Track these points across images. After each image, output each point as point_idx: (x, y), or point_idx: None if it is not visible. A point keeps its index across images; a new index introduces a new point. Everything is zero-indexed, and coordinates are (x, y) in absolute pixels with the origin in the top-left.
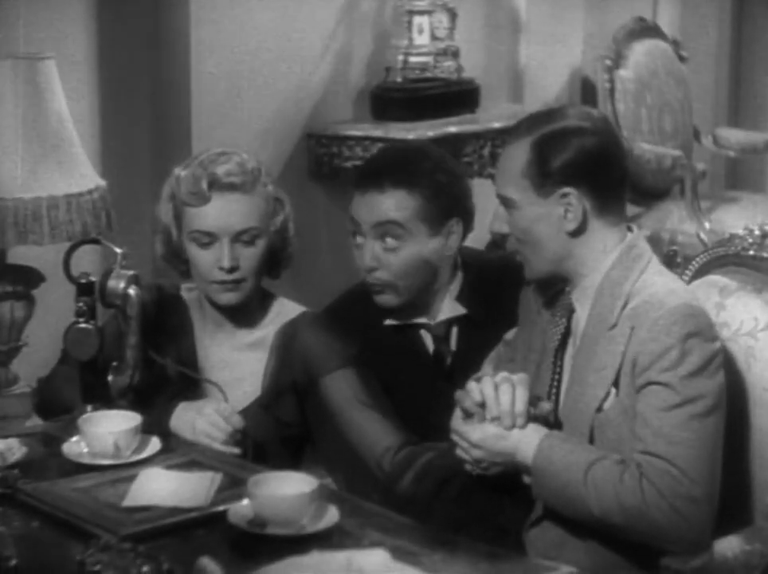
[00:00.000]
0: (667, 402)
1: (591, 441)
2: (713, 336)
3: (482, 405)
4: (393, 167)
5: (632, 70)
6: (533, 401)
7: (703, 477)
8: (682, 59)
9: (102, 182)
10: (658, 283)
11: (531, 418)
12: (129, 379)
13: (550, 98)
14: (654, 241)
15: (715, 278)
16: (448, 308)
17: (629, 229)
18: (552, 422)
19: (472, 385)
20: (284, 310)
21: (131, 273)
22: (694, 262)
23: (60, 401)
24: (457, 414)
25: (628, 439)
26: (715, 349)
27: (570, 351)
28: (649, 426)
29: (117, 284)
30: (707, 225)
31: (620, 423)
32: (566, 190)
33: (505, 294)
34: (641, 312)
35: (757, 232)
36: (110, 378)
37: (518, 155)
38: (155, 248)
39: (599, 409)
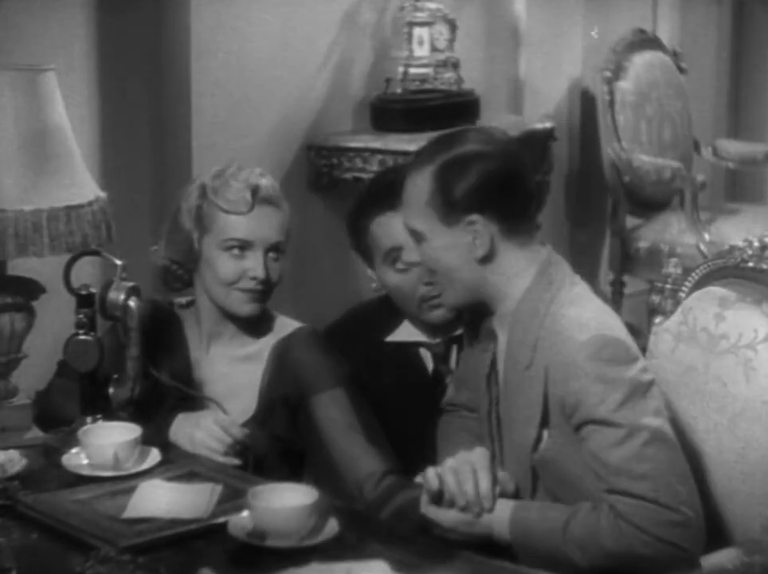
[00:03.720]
0: (611, 438)
1: (534, 480)
2: (632, 357)
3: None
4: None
5: (631, 82)
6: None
7: (676, 498)
8: (681, 70)
9: (102, 194)
10: (567, 316)
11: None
12: (130, 392)
13: (550, 109)
14: (654, 253)
15: (714, 290)
16: (451, 327)
17: (543, 243)
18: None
19: (430, 473)
20: (283, 326)
21: (131, 284)
22: (693, 274)
23: (59, 413)
24: (425, 497)
25: (573, 476)
26: (638, 369)
27: (501, 375)
28: (605, 466)
29: (117, 295)
30: (706, 236)
31: (560, 462)
32: (472, 217)
33: None
34: (553, 352)
35: (756, 244)
36: (111, 390)
37: (421, 184)
38: (158, 257)
39: (535, 449)
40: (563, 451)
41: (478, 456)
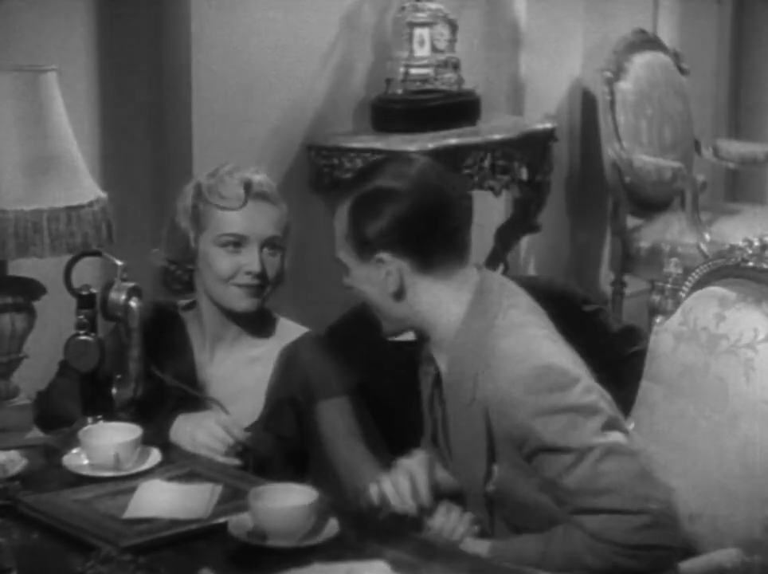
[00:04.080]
0: (564, 463)
1: (490, 509)
2: (570, 380)
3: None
4: None
5: (632, 82)
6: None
7: (641, 500)
8: (682, 71)
9: (102, 195)
10: (502, 349)
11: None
12: (132, 392)
13: (551, 110)
14: (655, 253)
15: (714, 289)
16: None
17: (478, 267)
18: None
19: (372, 490)
20: (286, 330)
21: (131, 285)
22: (694, 274)
23: (60, 414)
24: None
25: (530, 503)
26: (579, 391)
27: (446, 404)
28: (566, 490)
29: (118, 296)
30: (707, 236)
31: (515, 491)
32: (381, 255)
33: None
34: (492, 389)
35: (756, 243)
36: (113, 391)
37: (341, 218)
38: (158, 259)
39: (487, 481)
40: (517, 480)
41: (415, 461)
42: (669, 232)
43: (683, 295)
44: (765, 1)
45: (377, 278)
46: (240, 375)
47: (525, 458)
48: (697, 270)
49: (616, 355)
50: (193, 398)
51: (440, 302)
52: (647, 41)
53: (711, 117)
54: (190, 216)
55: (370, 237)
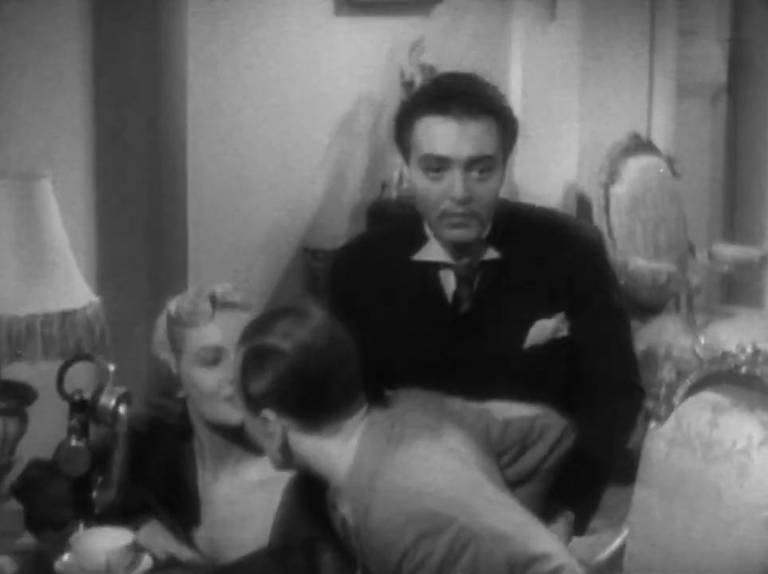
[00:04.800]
0: None
1: None
2: (446, 520)
3: None
4: (476, 93)
5: (626, 186)
6: None
7: None
8: (676, 175)
9: (95, 299)
10: (383, 502)
11: None
12: (114, 496)
13: None
14: (650, 356)
15: (708, 395)
16: (479, 249)
17: (366, 412)
18: None
19: None
20: None
21: (122, 391)
22: (687, 379)
23: (49, 517)
24: None
25: None
26: (453, 534)
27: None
28: None
29: (108, 401)
30: (702, 340)
31: None
32: (265, 413)
33: (539, 238)
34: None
35: (749, 350)
36: (94, 493)
37: (234, 366)
38: (151, 403)
39: None
40: None
41: None
42: (664, 335)
43: (676, 401)
44: (759, 104)
45: (263, 431)
46: (248, 499)
47: None
48: (691, 376)
49: None
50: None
51: (329, 455)
52: (641, 145)
53: (707, 220)
54: (166, 344)
55: (255, 394)
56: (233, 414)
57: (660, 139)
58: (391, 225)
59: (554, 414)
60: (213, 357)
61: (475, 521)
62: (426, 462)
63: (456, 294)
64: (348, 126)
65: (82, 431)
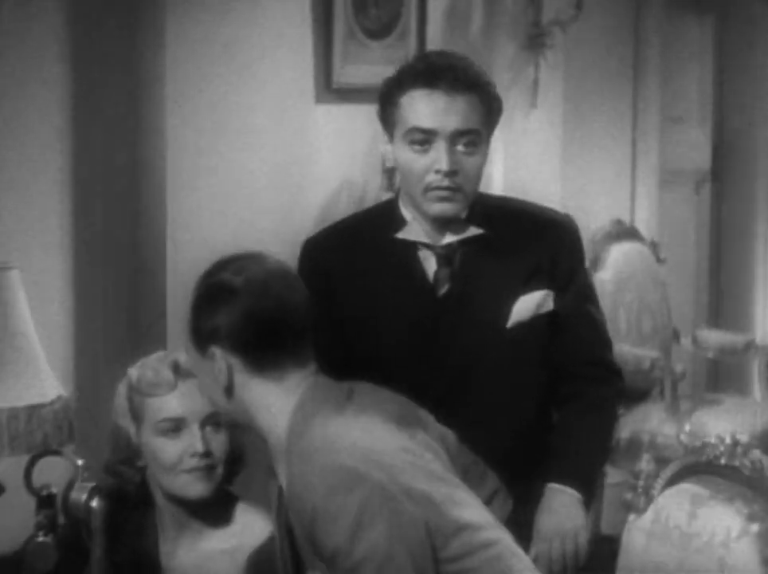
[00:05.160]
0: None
1: None
2: (359, 476)
3: None
4: (463, 68)
5: (610, 272)
6: None
7: None
8: (660, 260)
9: (64, 393)
10: (304, 453)
11: None
12: None
13: None
14: (634, 443)
15: (686, 487)
16: (460, 228)
17: (316, 372)
18: None
19: None
20: (248, 516)
21: (92, 485)
22: (667, 470)
23: None
24: None
25: None
26: (366, 491)
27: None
28: None
29: (79, 496)
30: (687, 427)
31: None
32: (213, 349)
33: (521, 219)
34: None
35: (728, 441)
36: None
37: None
38: (109, 469)
39: None
40: None
41: None
42: (648, 422)
43: (655, 492)
44: (743, 190)
45: (211, 373)
46: (208, 568)
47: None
48: (669, 467)
49: None
50: None
51: (268, 405)
52: (624, 231)
53: (692, 305)
54: (126, 412)
55: (203, 330)
56: (193, 487)
57: (643, 225)
58: (366, 211)
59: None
60: (174, 428)
61: (394, 481)
62: (356, 423)
63: (436, 274)
64: (329, 213)
65: (50, 527)
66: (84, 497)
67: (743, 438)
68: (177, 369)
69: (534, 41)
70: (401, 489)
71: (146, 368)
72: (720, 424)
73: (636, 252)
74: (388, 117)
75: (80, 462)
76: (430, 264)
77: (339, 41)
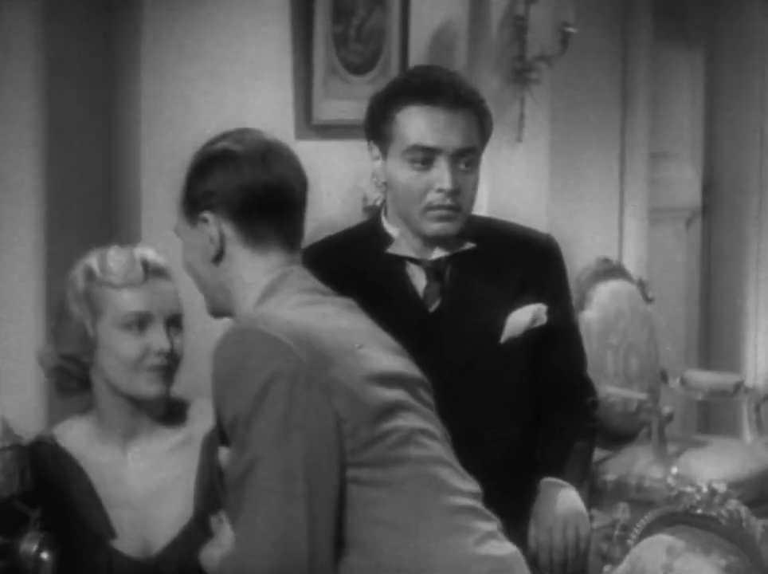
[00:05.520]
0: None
1: None
2: (282, 346)
3: None
4: (460, 84)
5: (596, 311)
6: None
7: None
8: (648, 300)
9: (19, 440)
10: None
11: None
12: None
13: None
14: (620, 487)
15: (662, 538)
16: (453, 243)
17: (296, 262)
18: None
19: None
20: (204, 412)
21: (44, 535)
22: (643, 520)
23: None
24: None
25: None
26: (281, 366)
27: None
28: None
29: (30, 547)
30: (674, 469)
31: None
32: (205, 215)
33: (509, 235)
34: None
35: (705, 490)
36: None
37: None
38: (51, 359)
39: None
40: None
41: None
42: (636, 465)
43: (631, 543)
44: (733, 228)
45: (200, 242)
46: (162, 468)
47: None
48: (646, 517)
49: None
50: None
51: (246, 278)
52: (611, 270)
53: (681, 345)
54: (83, 302)
55: (198, 196)
56: (153, 385)
57: (631, 264)
58: (350, 229)
59: None
60: (139, 323)
61: (318, 369)
62: (311, 311)
63: (426, 290)
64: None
65: None
66: (34, 547)
67: (721, 487)
68: (146, 264)
69: (520, 75)
70: (325, 379)
71: (108, 260)
72: (708, 467)
73: (623, 291)
74: (380, 133)
75: (35, 514)
76: (419, 280)
77: (320, 76)
